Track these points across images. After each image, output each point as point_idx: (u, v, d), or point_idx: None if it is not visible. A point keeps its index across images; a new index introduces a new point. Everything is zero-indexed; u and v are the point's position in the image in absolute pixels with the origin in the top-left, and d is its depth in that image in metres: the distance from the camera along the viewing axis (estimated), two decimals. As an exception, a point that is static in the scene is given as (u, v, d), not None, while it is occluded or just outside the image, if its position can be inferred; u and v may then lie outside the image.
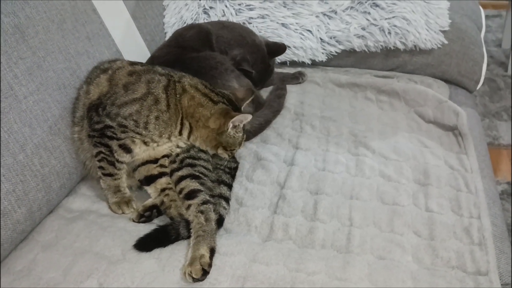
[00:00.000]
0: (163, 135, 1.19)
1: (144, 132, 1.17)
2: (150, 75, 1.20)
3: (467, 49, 1.83)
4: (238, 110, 1.22)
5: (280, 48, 1.70)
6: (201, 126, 1.20)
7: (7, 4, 1.20)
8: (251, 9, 1.81)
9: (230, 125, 1.17)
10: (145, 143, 1.19)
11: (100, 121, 1.18)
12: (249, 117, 1.19)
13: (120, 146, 1.19)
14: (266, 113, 1.53)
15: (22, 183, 1.12)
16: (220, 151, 1.22)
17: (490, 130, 2.60)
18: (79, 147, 1.27)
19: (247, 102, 1.29)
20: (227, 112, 1.18)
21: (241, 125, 1.20)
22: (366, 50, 1.82)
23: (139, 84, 1.18)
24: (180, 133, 1.21)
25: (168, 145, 1.22)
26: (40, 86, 1.22)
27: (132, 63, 1.27)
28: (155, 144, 1.20)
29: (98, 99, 1.20)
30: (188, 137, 1.22)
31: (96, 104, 1.20)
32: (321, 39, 1.80)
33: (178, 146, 1.24)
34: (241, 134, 1.22)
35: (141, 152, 1.21)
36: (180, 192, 1.18)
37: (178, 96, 1.19)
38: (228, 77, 1.48)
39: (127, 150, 1.20)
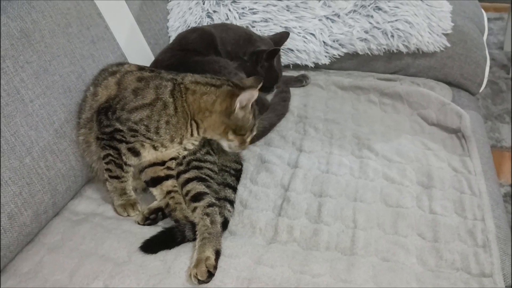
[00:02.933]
0: (175, 139, 1.20)
1: (155, 137, 1.18)
2: (158, 80, 1.21)
3: (470, 52, 1.84)
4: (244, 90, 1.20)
5: (283, 36, 1.73)
6: (207, 116, 1.20)
7: (14, 8, 1.21)
8: (254, 13, 1.82)
9: (237, 104, 1.16)
10: (154, 147, 1.20)
11: (109, 124, 1.19)
12: (255, 93, 1.16)
13: (129, 149, 1.20)
14: (271, 116, 1.54)
15: (28, 185, 1.13)
16: (230, 137, 1.21)
17: (493, 132, 2.60)
18: (85, 149, 1.28)
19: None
20: (233, 91, 1.18)
21: (249, 105, 1.19)
22: (369, 53, 1.82)
23: (147, 90, 1.19)
24: (192, 134, 1.22)
25: (176, 148, 1.23)
26: (46, 89, 1.23)
27: (140, 68, 1.28)
28: (164, 149, 1.21)
29: (107, 102, 1.21)
30: (198, 133, 1.22)
31: (105, 107, 1.20)
32: (324, 42, 1.81)
33: (185, 149, 1.25)
34: (251, 117, 1.21)
35: (149, 155, 1.22)
36: (186, 194, 1.19)
37: (183, 97, 1.20)
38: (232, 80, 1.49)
39: (136, 153, 1.21)
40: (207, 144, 1.29)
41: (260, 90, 1.55)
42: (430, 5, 1.83)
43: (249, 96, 1.17)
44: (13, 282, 1.05)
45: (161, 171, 1.24)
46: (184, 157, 1.25)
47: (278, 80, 1.70)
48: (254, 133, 1.25)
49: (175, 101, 1.19)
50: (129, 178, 1.25)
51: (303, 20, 1.81)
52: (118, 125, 1.18)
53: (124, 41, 1.56)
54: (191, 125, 1.21)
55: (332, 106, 1.66)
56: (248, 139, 1.25)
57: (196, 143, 1.26)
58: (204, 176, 1.21)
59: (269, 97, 1.67)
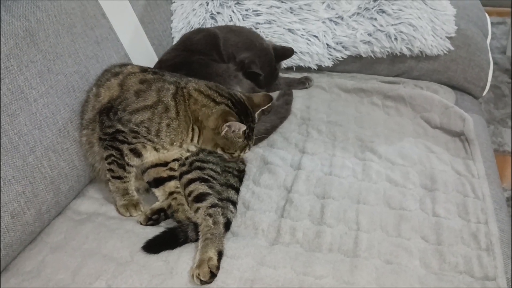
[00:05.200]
0: (175, 143, 1.20)
1: (156, 139, 1.18)
2: (160, 83, 1.21)
3: (473, 56, 1.83)
4: (244, 114, 1.21)
5: (287, 52, 1.72)
6: (203, 127, 1.20)
7: (19, 7, 1.21)
8: (258, 15, 1.82)
9: (225, 128, 1.17)
10: (156, 149, 1.20)
11: (111, 125, 1.19)
12: (243, 127, 1.16)
13: (131, 150, 1.20)
14: (273, 118, 1.54)
15: (31, 185, 1.13)
16: (219, 152, 1.23)
17: (495, 136, 2.60)
18: (87, 150, 1.28)
19: (263, 108, 1.27)
20: (226, 115, 1.17)
21: (238, 131, 1.18)
22: (372, 56, 1.82)
23: (149, 92, 1.19)
24: (192, 140, 1.22)
25: (178, 149, 1.23)
26: (50, 89, 1.23)
27: (143, 70, 1.28)
28: (165, 151, 1.22)
29: (109, 103, 1.21)
30: (198, 141, 1.23)
31: (107, 108, 1.21)
32: (327, 44, 1.81)
33: (188, 150, 1.25)
34: (241, 140, 1.20)
35: (151, 156, 1.22)
36: (189, 194, 1.19)
37: (186, 102, 1.20)
38: (232, 82, 1.50)
39: (138, 154, 1.21)
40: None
41: None
42: (434, 8, 1.83)
43: (237, 126, 1.16)
44: (15, 281, 1.05)
45: (163, 172, 1.24)
46: (186, 157, 1.26)
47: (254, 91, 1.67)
48: (247, 151, 1.25)
49: (177, 105, 1.19)
50: (132, 178, 1.25)
51: (307, 22, 1.81)
52: (119, 126, 1.18)
53: (128, 42, 1.57)
54: (192, 130, 1.21)
55: (335, 108, 1.66)
56: (241, 156, 1.25)
57: (194, 149, 1.25)
58: (206, 176, 1.21)
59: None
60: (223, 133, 1.17)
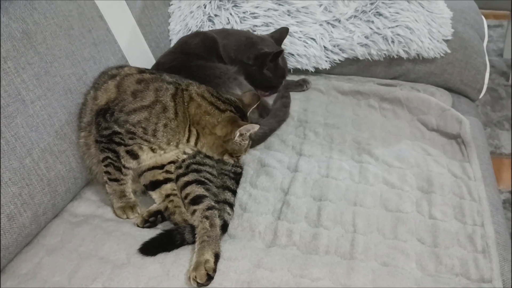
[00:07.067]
0: (171, 143, 1.20)
1: (152, 139, 1.18)
2: (158, 83, 1.21)
3: (470, 58, 1.84)
4: (245, 117, 1.24)
5: (283, 33, 1.74)
6: (207, 133, 1.21)
7: (16, 9, 1.21)
8: (255, 17, 1.82)
9: (237, 133, 1.18)
10: (152, 150, 1.20)
11: (108, 127, 1.19)
12: (256, 127, 1.20)
13: (128, 152, 1.20)
14: (271, 121, 1.54)
15: (28, 187, 1.13)
16: (226, 158, 1.24)
17: (492, 139, 2.61)
18: (85, 152, 1.28)
19: (253, 107, 1.29)
20: (235, 120, 1.19)
21: (247, 134, 1.21)
22: (369, 59, 1.83)
23: (147, 92, 1.20)
24: (188, 140, 1.22)
25: (175, 151, 1.23)
26: (47, 91, 1.23)
27: (140, 71, 1.28)
28: (162, 151, 1.22)
29: (106, 105, 1.21)
30: (195, 143, 1.23)
31: (104, 109, 1.21)
32: (324, 47, 1.81)
33: (184, 153, 1.25)
34: (247, 142, 1.23)
35: (148, 158, 1.22)
36: (185, 197, 1.19)
37: (185, 104, 1.20)
38: (231, 85, 1.50)
39: (134, 156, 1.21)
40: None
41: (269, 90, 1.57)
42: (430, 11, 1.84)
43: (250, 128, 1.19)
44: (12, 283, 1.05)
45: (160, 175, 1.24)
46: (183, 160, 1.26)
47: (285, 76, 1.71)
48: (247, 152, 1.29)
49: (176, 106, 1.19)
50: (128, 180, 1.25)
51: (304, 25, 1.82)
52: (116, 128, 1.18)
53: (125, 44, 1.57)
54: (189, 131, 1.21)
55: (332, 111, 1.66)
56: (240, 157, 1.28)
57: (191, 151, 1.26)
58: (203, 179, 1.21)
59: (270, 100, 1.67)
60: (236, 138, 1.19)
